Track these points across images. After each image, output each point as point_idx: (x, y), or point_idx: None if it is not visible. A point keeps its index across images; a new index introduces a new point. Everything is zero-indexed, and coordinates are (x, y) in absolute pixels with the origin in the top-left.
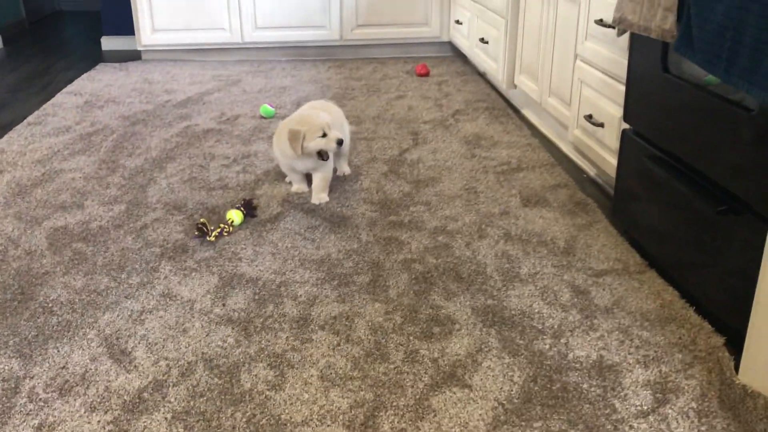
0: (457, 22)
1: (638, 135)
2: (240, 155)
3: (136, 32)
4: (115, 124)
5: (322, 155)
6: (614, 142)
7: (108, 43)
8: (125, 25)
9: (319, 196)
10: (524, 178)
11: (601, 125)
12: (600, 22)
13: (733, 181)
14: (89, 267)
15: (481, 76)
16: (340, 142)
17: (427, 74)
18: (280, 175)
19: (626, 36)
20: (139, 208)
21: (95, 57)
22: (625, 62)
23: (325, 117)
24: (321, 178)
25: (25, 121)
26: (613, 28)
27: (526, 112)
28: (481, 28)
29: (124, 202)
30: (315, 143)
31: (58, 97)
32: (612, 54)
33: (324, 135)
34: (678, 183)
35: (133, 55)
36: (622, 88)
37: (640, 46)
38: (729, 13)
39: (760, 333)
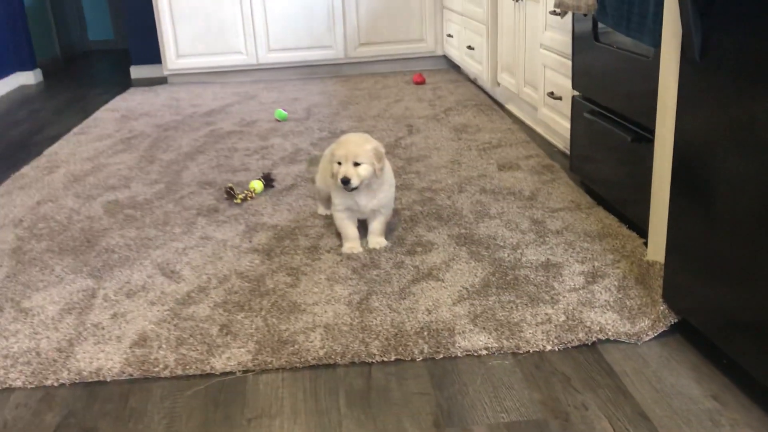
0: (449, 35)
1: (582, 98)
2: (259, 147)
3: (162, 58)
4: (150, 131)
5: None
6: (569, 110)
7: (136, 71)
8: (151, 55)
9: (377, 239)
10: (502, 152)
11: (560, 98)
12: (553, 12)
13: (642, 115)
14: (139, 224)
15: (472, 81)
16: (345, 181)
17: (423, 82)
18: (294, 158)
19: (569, 19)
20: (176, 186)
21: (125, 84)
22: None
23: (359, 147)
24: (379, 221)
25: (71, 132)
26: (558, 13)
27: (509, 106)
28: (468, 36)
29: (163, 182)
30: (333, 168)
31: (97, 114)
32: (563, 37)
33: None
34: (609, 126)
35: (160, 80)
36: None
37: (578, 25)
38: None
39: (655, 219)
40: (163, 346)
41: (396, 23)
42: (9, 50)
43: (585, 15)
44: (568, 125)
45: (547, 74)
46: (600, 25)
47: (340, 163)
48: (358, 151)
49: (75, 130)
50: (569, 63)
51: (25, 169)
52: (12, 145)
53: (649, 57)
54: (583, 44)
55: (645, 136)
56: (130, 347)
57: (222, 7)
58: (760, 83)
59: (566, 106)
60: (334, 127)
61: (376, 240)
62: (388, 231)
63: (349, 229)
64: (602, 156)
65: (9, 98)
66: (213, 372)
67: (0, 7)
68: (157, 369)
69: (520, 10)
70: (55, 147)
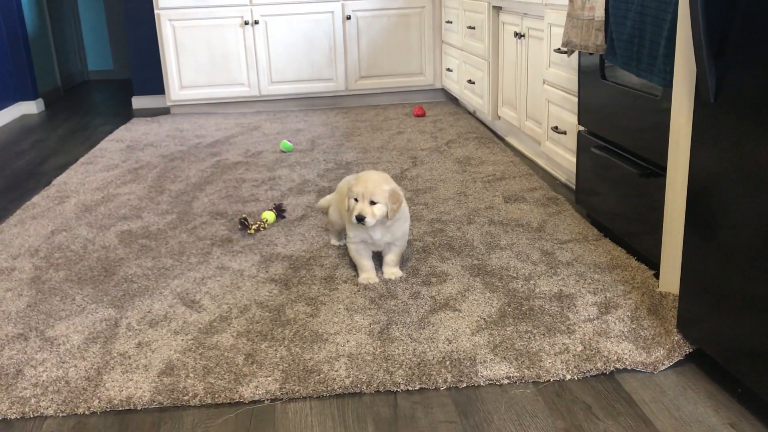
0: (448, 69)
1: (589, 133)
2: (267, 178)
3: (165, 89)
4: (156, 161)
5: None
6: (574, 144)
7: (138, 102)
8: (153, 86)
9: (392, 270)
10: (506, 184)
11: (564, 133)
12: (558, 50)
13: (650, 151)
14: (155, 254)
15: (471, 114)
16: (359, 218)
17: (423, 115)
18: (302, 189)
19: (575, 56)
20: (187, 216)
21: (127, 114)
22: (577, 79)
23: (377, 187)
24: (394, 252)
25: (78, 161)
26: (564, 52)
27: (510, 139)
28: (468, 71)
29: (174, 213)
30: (349, 203)
31: (103, 144)
32: (568, 74)
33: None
34: (616, 161)
35: (162, 111)
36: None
37: (585, 63)
38: (633, 26)
39: (667, 251)
40: (191, 375)
41: (396, 57)
42: (12, 80)
43: (591, 54)
44: (572, 159)
45: (551, 109)
46: (607, 63)
47: (356, 199)
48: (376, 191)
49: (82, 159)
50: (574, 99)
51: (36, 199)
52: (19, 174)
53: (658, 95)
54: (589, 81)
55: (654, 171)
56: (158, 376)
57: (225, 39)
58: None
59: (570, 141)
60: (339, 159)
61: (391, 271)
62: (403, 262)
63: (365, 261)
64: (609, 189)
65: (12, 128)
66: (242, 400)
67: (3, 36)
68: (186, 397)
69: (522, 46)
70: (63, 177)
